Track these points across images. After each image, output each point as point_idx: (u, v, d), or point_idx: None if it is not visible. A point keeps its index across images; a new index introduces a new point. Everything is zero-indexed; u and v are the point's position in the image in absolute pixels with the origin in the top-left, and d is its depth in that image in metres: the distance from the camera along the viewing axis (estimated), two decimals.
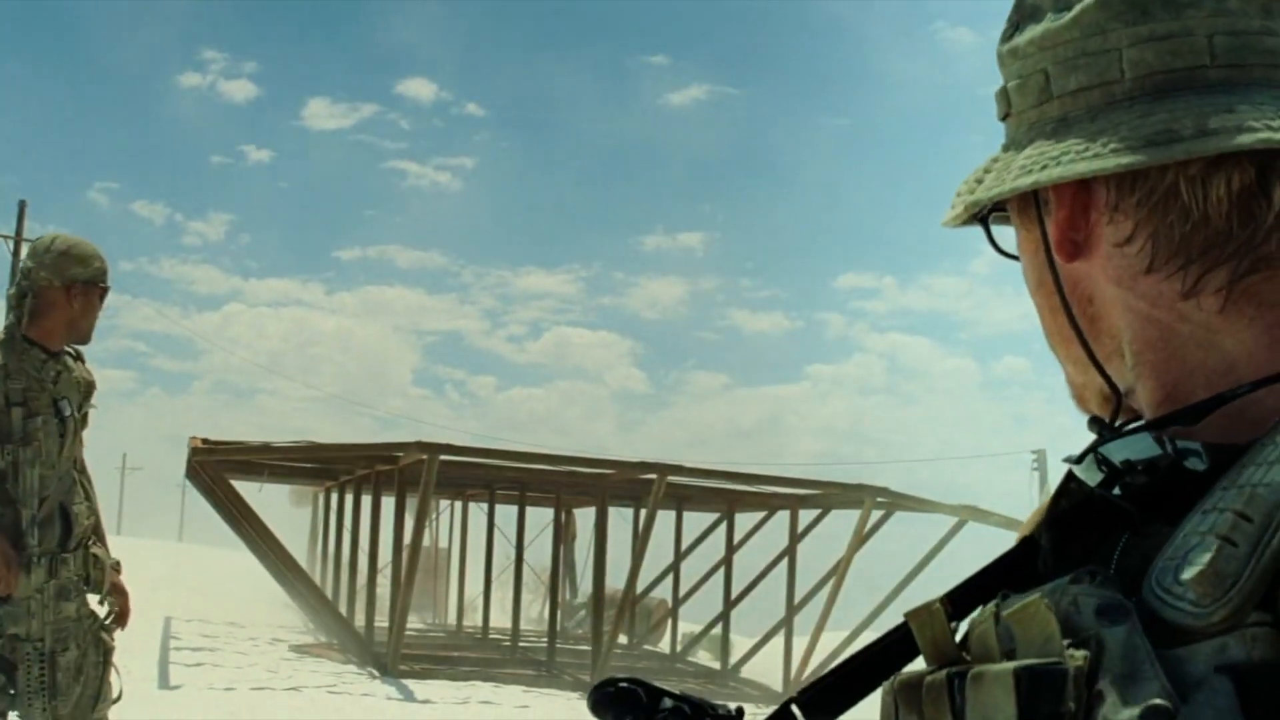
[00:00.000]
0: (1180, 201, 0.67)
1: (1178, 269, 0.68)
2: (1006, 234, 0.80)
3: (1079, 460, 0.71)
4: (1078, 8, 0.70)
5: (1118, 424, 0.74)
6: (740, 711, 0.86)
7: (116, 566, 4.36)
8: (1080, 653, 0.57)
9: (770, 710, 0.81)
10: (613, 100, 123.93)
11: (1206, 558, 0.57)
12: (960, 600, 0.71)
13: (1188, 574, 0.57)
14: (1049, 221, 0.72)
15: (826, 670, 0.78)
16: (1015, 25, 0.74)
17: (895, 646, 0.75)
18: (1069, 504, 0.73)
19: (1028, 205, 0.74)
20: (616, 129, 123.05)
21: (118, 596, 4.34)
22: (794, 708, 0.77)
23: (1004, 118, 0.76)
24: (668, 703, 0.86)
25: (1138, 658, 0.56)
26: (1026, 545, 0.74)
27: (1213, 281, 0.67)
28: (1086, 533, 0.70)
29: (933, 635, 0.67)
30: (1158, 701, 0.54)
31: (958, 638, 0.68)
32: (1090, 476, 0.71)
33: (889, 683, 0.70)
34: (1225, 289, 0.67)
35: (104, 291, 4.22)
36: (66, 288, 4.14)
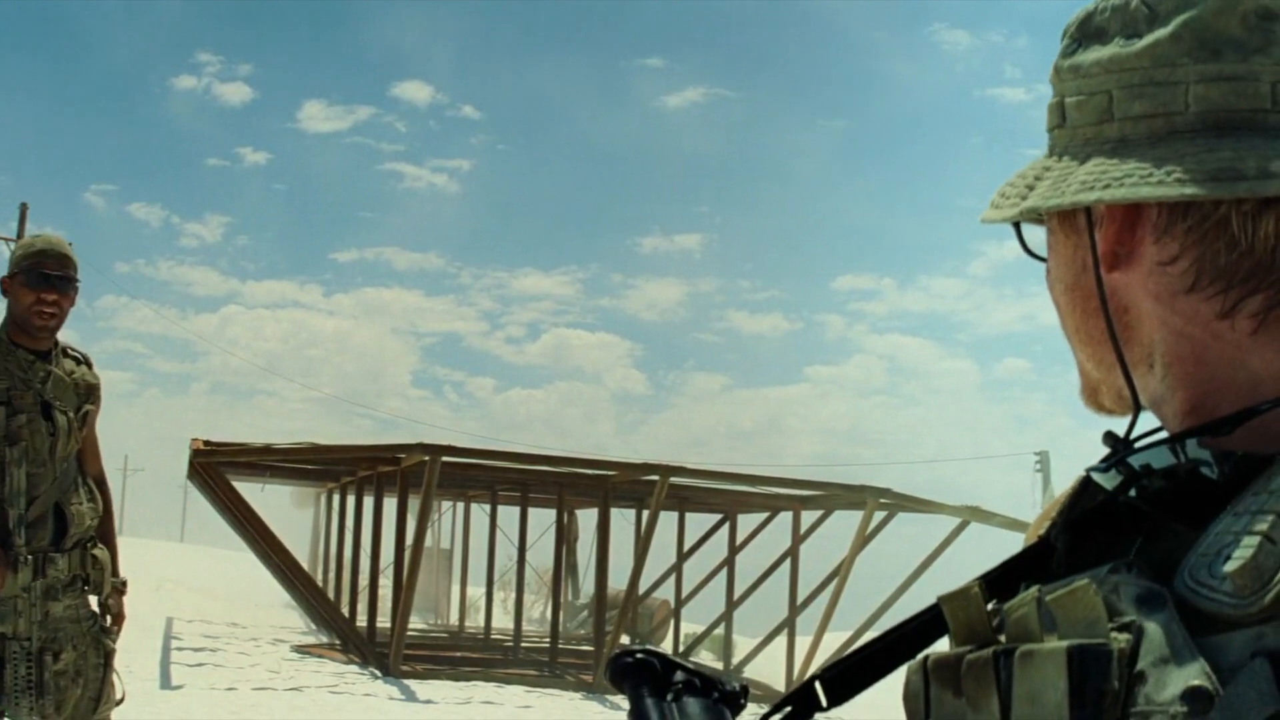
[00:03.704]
0: (1230, 232, 0.71)
1: (1218, 292, 0.72)
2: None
3: (1106, 470, 0.75)
4: (1149, 38, 0.73)
5: (1132, 435, 0.77)
6: (745, 689, 0.89)
7: (121, 587, 4.32)
8: (1123, 635, 0.61)
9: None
10: (609, 102, 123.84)
11: (1248, 553, 0.61)
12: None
13: (1227, 567, 0.61)
14: (1099, 235, 0.76)
15: (849, 650, 0.82)
16: (1078, 43, 0.78)
17: (918, 630, 0.78)
18: (1083, 508, 0.77)
19: (1073, 214, 0.78)
20: (613, 131, 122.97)
21: (114, 619, 4.30)
22: (817, 685, 0.81)
23: (1052, 129, 0.79)
24: (681, 675, 0.89)
25: (1176, 643, 0.60)
26: (1041, 546, 0.77)
27: (1249, 306, 0.72)
28: (1099, 536, 0.74)
29: (968, 618, 0.71)
30: (1198, 682, 0.58)
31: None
32: (1108, 481, 0.75)
33: (917, 662, 0.73)
34: (1261, 314, 0.72)
35: (39, 279, 4.08)
36: (7, 281, 4.16)
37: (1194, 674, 0.58)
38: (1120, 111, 0.74)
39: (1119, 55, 0.74)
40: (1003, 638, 0.68)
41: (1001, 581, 0.75)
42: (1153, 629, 0.61)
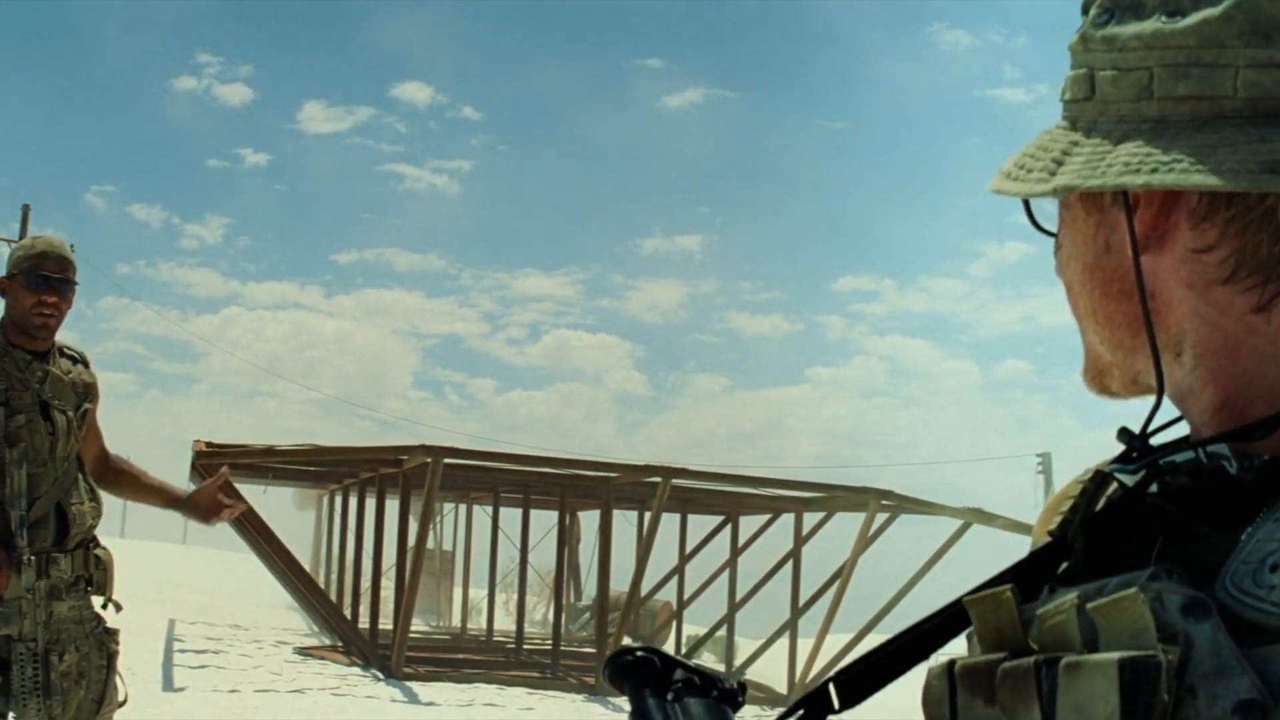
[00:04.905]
0: (1275, 224, 0.69)
1: (1256, 284, 0.70)
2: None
3: (1136, 471, 0.73)
4: (1197, 17, 0.70)
5: (1148, 429, 0.75)
6: (743, 686, 0.89)
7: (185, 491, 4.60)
8: (1172, 647, 0.59)
9: (777, 711, 0.81)
10: (609, 103, 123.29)
11: None
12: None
13: (1277, 578, 0.60)
14: (1134, 216, 0.73)
15: (860, 653, 0.80)
16: (1110, 14, 0.74)
17: (932, 631, 0.77)
18: (1098, 507, 0.76)
19: (1099, 194, 0.75)
20: (613, 132, 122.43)
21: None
22: (831, 688, 0.80)
23: (1077, 100, 0.76)
24: (680, 674, 0.88)
25: (1224, 655, 0.59)
26: (1056, 545, 0.76)
27: None
28: (1117, 535, 0.72)
29: (997, 622, 0.69)
30: (1250, 696, 0.57)
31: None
32: (1132, 480, 0.73)
33: (941, 667, 0.71)
34: None
35: (39, 281, 4.07)
36: (5, 282, 4.17)
37: (1245, 687, 0.57)
38: (1161, 90, 0.71)
39: (1162, 31, 0.71)
40: (1034, 644, 0.66)
41: (1019, 582, 0.73)
42: (1200, 640, 0.59)
